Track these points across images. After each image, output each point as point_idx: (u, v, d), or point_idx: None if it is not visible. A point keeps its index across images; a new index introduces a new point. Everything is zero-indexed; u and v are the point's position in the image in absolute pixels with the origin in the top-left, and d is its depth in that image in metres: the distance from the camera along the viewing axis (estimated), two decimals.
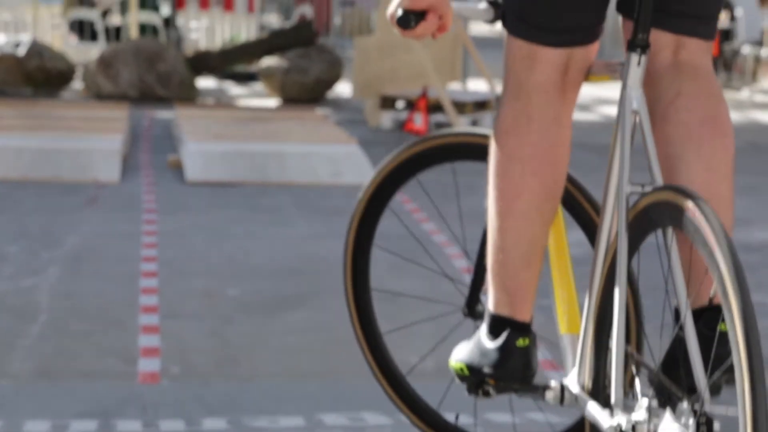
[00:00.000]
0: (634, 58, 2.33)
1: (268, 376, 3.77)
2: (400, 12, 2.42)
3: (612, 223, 2.36)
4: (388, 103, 10.21)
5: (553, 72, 2.43)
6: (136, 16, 13.87)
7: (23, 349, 3.94)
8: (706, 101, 2.36)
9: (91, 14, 14.18)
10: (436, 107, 9.92)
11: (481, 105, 10.39)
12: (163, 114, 10.64)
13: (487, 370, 2.48)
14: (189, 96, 11.85)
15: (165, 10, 14.99)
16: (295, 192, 7.08)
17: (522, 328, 2.46)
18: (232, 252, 5.49)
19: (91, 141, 8.04)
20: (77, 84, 12.42)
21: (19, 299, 4.58)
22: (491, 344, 2.48)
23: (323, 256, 5.43)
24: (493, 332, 2.48)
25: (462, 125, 9.78)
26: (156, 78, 11.75)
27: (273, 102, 12.02)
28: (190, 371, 3.77)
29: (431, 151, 2.89)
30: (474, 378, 2.51)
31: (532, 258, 2.44)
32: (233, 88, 13.57)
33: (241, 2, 17.28)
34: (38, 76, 11.81)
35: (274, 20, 17.22)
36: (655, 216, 2.20)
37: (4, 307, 4.47)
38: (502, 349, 2.46)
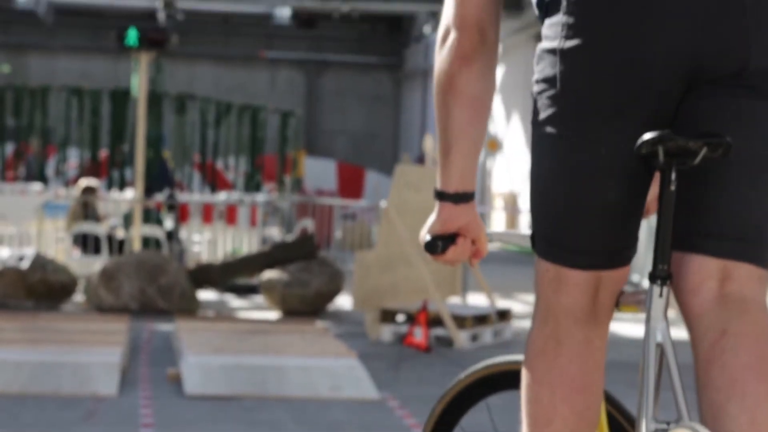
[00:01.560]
0: (656, 289, 2.24)
1: None
2: (428, 237, 2.38)
3: None
4: (388, 316, 10.24)
5: (582, 295, 2.36)
6: (139, 230, 14.01)
7: None
8: (754, 343, 2.21)
9: (95, 228, 14.33)
10: (436, 321, 9.94)
11: (481, 319, 10.40)
12: (163, 326, 10.65)
13: None
14: (190, 308, 11.89)
15: (168, 223, 15.16)
16: (293, 406, 7.03)
17: None
18: None
19: (90, 354, 8.03)
20: (79, 296, 12.46)
21: None
22: None
23: None
24: None
25: (462, 340, 9.78)
26: (157, 290, 11.81)
27: (274, 314, 12.05)
28: None
29: (496, 377, 2.85)
30: None
31: None
32: (234, 301, 13.61)
33: (244, 216, 17.48)
34: (40, 289, 11.86)
35: (275, 233, 17.37)
36: None
37: None
38: None
